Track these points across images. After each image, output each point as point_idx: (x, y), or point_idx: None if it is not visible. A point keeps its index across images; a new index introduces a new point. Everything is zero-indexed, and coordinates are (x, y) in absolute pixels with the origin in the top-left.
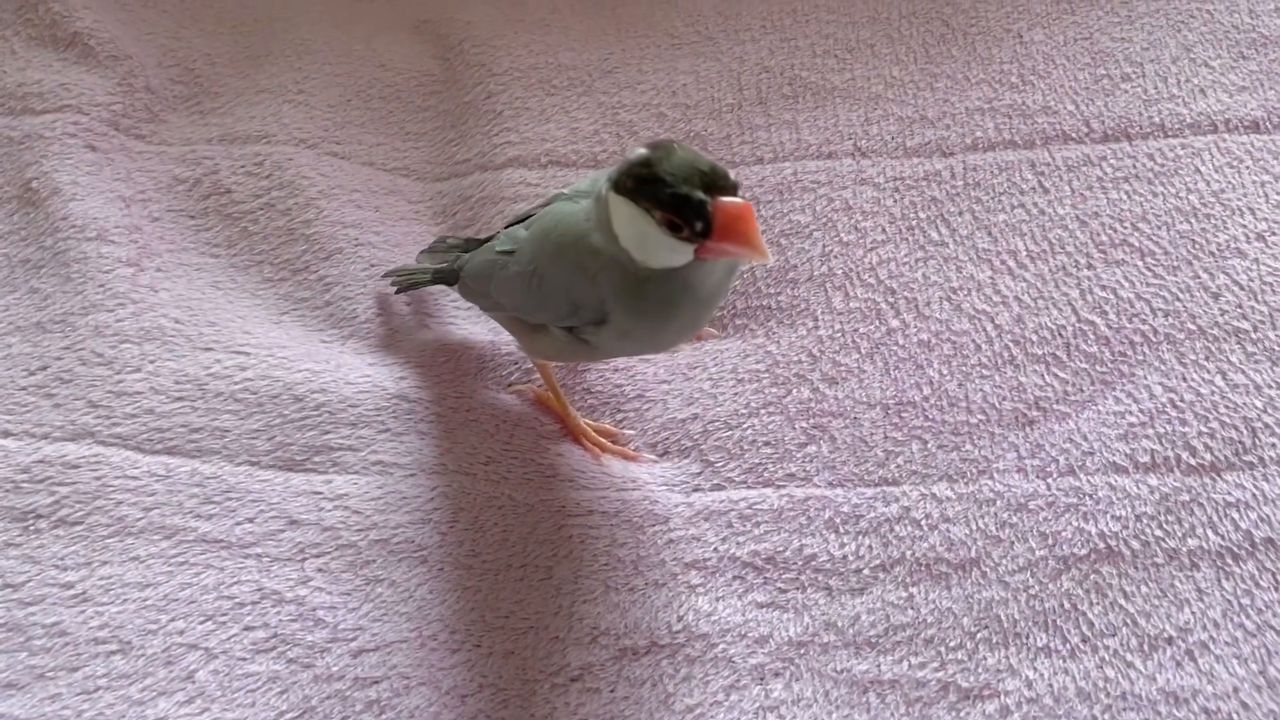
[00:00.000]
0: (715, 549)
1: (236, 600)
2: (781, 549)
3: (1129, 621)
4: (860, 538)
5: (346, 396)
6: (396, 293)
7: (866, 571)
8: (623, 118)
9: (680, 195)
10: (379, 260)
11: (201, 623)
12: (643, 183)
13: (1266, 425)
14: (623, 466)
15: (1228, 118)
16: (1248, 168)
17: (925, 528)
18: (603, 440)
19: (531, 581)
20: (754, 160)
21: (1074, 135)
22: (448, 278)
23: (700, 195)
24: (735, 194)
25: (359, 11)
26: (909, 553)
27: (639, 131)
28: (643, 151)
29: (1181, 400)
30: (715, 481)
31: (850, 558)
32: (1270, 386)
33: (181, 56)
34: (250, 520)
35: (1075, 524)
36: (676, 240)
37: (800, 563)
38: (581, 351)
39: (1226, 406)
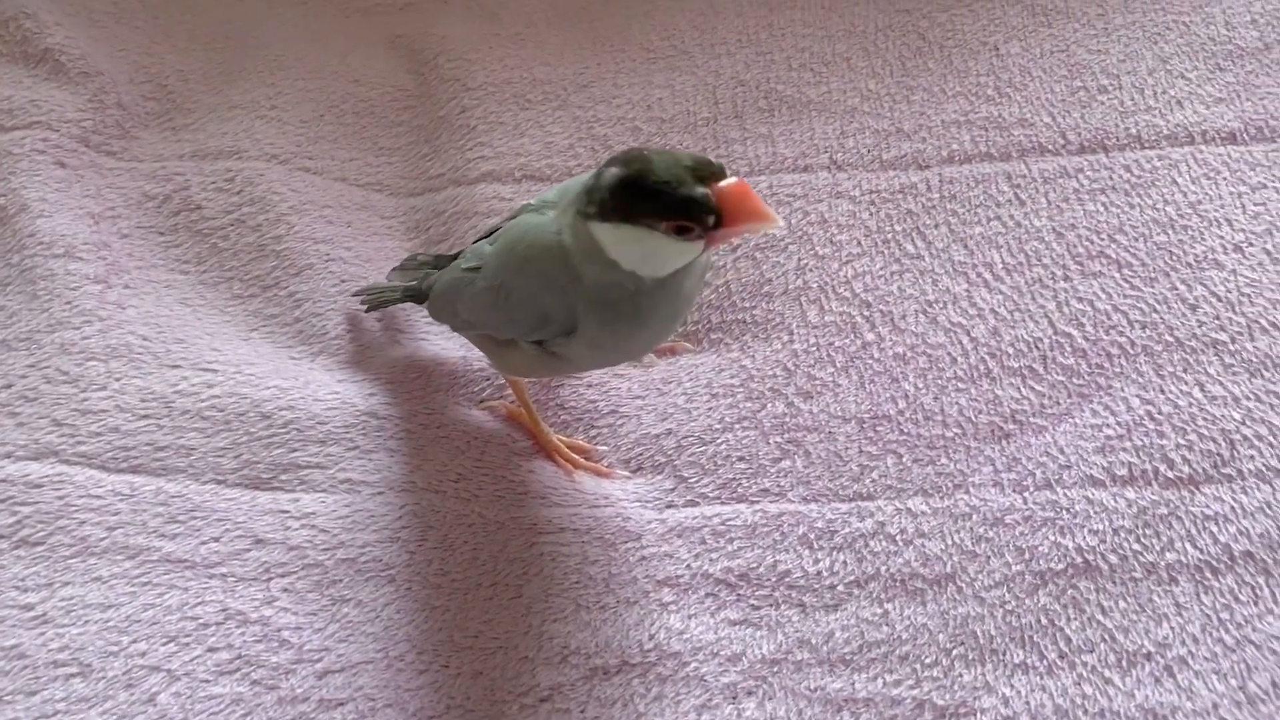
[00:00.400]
0: (688, 566)
1: (200, 621)
2: (755, 565)
3: (1107, 637)
4: (834, 554)
5: (315, 414)
6: (367, 311)
7: (840, 588)
8: (598, 132)
9: (685, 198)
10: (350, 276)
11: (164, 644)
12: (637, 200)
13: (1245, 437)
14: (595, 483)
15: (1204, 129)
16: (1224, 179)
17: (900, 543)
18: (575, 456)
19: (501, 600)
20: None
21: (1050, 147)
22: (417, 296)
23: (702, 190)
24: (725, 175)
25: (333, 28)
26: (884, 568)
27: (614, 145)
28: (616, 172)
29: (1159, 412)
30: (689, 497)
31: (824, 574)
32: (1248, 398)
33: (154, 73)
34: (215, 540)
35: (1052, 538)
36: (686, 243)
37: (774, 579)
38: (552, 365)
39: (1204, 418)
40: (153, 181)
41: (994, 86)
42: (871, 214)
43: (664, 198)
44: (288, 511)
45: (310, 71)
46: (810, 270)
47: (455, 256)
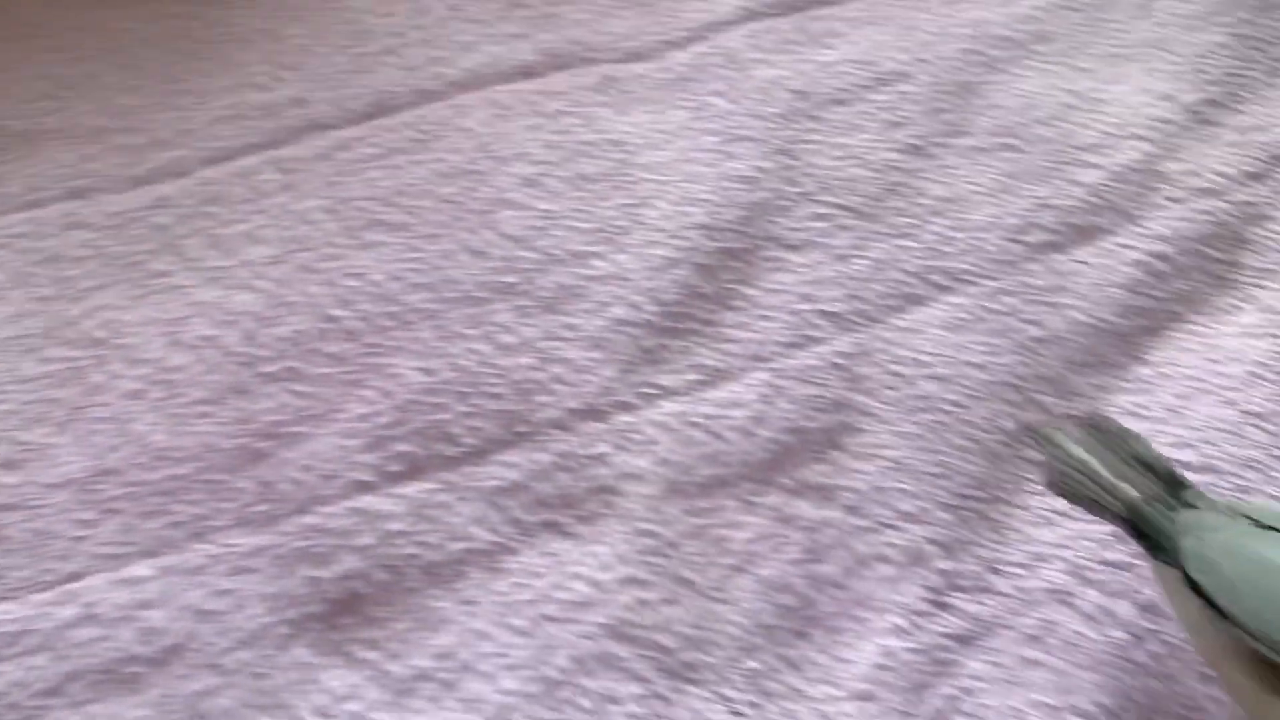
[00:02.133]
0: None
1: None
2: None
3: (378, 674)
4: (23, 659)
5: None
6: (1056, 493)
7: (28, 703)
8: None
9: None
10: None
11: None
12: None
13: (538, 383)
14: None
15: (499, 68)
16: (519, 114)
17: (112, 623)
18: None
19: None
20: None
21: (327, 122)
22: (1149, 534)
23: None
24: None
25: None
26: (89, 661)
27: None
28: None
29: (441, 383)
30: None
31: (12, 691)
32: (544, 339)
33: None
34: None
35: (305, 573)
36: None
37: None
38: None
39: (495, 374)
40: None
41: (267, 73)
42: (115, 239)
43: None
44: None
45: None
46: (31, 317)
47: (1179, 485)
